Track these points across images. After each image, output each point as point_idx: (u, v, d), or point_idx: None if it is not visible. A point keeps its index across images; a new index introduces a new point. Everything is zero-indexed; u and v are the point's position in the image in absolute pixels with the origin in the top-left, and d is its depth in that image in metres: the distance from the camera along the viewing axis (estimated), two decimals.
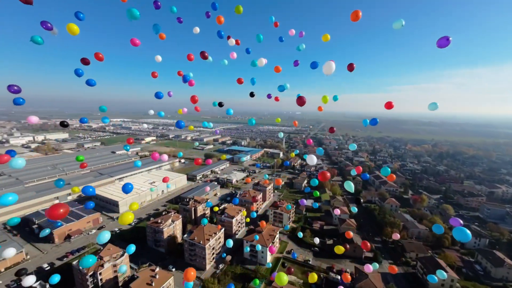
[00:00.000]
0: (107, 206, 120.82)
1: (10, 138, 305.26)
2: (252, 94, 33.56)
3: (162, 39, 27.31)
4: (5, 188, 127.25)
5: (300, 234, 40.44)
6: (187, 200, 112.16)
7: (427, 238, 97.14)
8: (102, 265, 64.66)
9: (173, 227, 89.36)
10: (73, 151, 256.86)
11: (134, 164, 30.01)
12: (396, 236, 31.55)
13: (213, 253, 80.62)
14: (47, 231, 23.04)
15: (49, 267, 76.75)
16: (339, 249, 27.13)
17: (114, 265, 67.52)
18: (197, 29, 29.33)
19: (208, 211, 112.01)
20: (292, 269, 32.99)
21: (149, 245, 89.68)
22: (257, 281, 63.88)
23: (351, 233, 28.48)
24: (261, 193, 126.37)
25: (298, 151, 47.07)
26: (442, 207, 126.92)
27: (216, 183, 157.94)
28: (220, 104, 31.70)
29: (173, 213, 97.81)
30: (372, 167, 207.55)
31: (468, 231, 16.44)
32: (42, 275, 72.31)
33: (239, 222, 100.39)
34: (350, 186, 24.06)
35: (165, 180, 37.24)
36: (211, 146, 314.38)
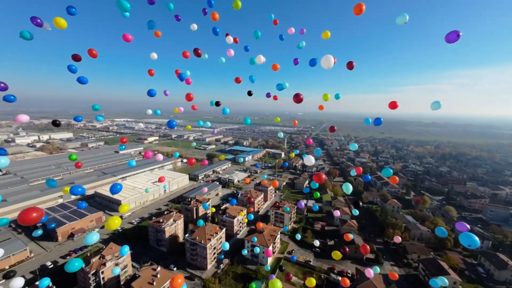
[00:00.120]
0: (110, 205, 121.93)
1: (16, 138, 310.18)
2: (250, 93, 32.76)
3: (158, 37, 27.18)
4: (10, 186, 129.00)
5: (298, 236, 40.35)
6: (189, 199, 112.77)
7: (429, 240, 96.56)
8: (104, 264, 65.25)
9: (174, 227, 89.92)
10: (77, 150, 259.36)
11: (128, 163, 29.04)
12: (398, 239, 30.98)
13: (214, 253, 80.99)
14: (40, 232, 23.30)
15: (52, 265, 77.71)
16: (336, 255, 26.45)
17: (116, 264, 68.11)
18: (194, 26, 29.00)
19: (209, 211, 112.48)
20: (291, 275, 32.29)
21: (151, 244, 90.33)
22: (254, 285, 64.21)
23: (350, 236, 27.99)
24: (262, 194, 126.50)
25: (298, 151, 47.10)
26: (444, 208, 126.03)
27: (217, 183, 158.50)
28: (217, 104, 31.29)
29: (175, 212, 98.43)
30: (374, 168, 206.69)
31: (476, 237, 15.66)
32: (45, 273, 73.36)
33: (240, 222, 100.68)
34: (348, 188, 23.86)
35: (160, 180, 36.58)
36: (213, 146, 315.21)
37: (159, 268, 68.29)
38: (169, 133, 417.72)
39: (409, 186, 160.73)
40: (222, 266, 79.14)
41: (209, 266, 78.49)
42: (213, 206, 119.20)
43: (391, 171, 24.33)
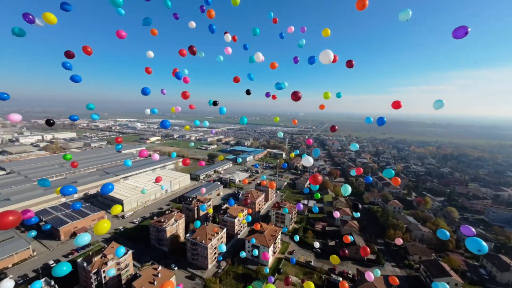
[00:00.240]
0: (112, 205, 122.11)
1: (20, 137, 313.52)
2: (248, 92, 32.14)
3: (154, 35, 27.00)
4: (14, 185, 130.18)
5: (297, 238, 40.12)
6: (190, 199, 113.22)
7: (431, 241, 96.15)
8: (105, 263, 65.76)
9: (176, 226, 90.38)
10: (80, 150, 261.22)
11: (124, 163, 28.14)
12: (399, 241, 30.29)
13: (215, 253, 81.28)
14: (33, 233, 23.51)
15: (55, 264, 78.41)
16: (335, 259, 25.80)
17: (118, 263, 68.64)
18: (192, 24, 28.72)
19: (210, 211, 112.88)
20: (290, 279, 31.98)
21: (152, 244, 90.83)
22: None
23: (350, 238, 27.59)
24: (263, 194, 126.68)
25: (298, 151, 47.09)
26: (446, 209, 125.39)
27: (219, 183, 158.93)
28: (215, 103, 31.08)
29: (176, 212, 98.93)
30: (375, 169, 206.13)
31: (484, 243, 14.41)
32: (48, 271, 74.02)
33: (241, 222, 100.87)
34: (346, 190, 23.35)
35: (157, 180, 35.51)
36: (215, 146, 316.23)
37: (160, 268, 68.65)
38: (171, 133, 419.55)
39: (410, 187, 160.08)
40: (223, 266, 79.42)
41: (210, 266, 78.81)
42: (214, 206, 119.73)
43: (393, 172, 23.61)
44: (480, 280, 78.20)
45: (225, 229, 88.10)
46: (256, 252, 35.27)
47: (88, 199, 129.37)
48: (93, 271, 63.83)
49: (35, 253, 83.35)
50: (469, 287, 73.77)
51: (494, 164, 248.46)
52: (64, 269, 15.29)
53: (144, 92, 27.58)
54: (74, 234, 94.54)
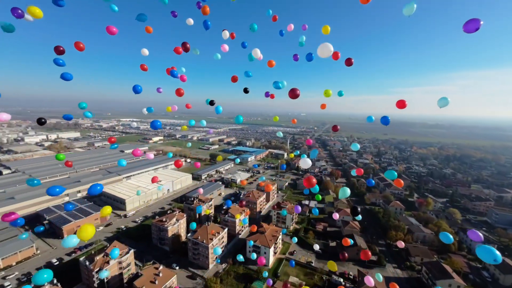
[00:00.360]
0: (115, 204, 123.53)
1: (25, 137, 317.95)
2: (246, 90, 31.72)
3: (149, 33, 26.63)
4: (18, 184, 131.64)
5: (295, 240, 39.91)
6: (192, 199, 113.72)
7: (433, 243, 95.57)
8: (107, 262, 66.32)
9: (177, 226, 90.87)
10: (83, 149, 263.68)
11: (118, 163, 27.16)
12: (401, 244, 29.80)
13: None
14: (25, 235, 23.55)
15: (58, 262, 79.31)
16: (332, 265, 25.43)
17: (120, 262, 69.21)
18: (190, 21, 28.68)
19: (212, 211, 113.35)
20: (289, 286, 31.74)
21: (154, 243, 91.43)
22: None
23: (349, 241, 27.23)
24: (265, 194, 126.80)
25: (298, 151, 46.93)
26: (448, 211, 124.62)
27: (220, 183, 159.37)
28: (212, 103, 30.90)
29: (177, 212, 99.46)
30: (376, 169, 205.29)
31: (498, 252, 13.17)
32: (51, 270, 74.82)
33: (239, 224, 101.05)
34: (344, 193, 22.73)
35: (153, 180, 34.60)
36: (217, 146, 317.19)
37: (161, 267, 69.09)
38: (174, 133, 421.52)
39: (412, 188, 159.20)
40: (223, 266, 79.73)
41: (211, 266, 79.14)
42: (215, 206, 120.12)
43: (396, 174, 22.88)
44: (482, 282, 77.59)
45: (226, 229, 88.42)
46: (254, 256, 34.87)
47: (91, 198, 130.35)
48: (95, 270, 64.42)
49: (38, 252, 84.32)
50: None
51: (497, 165, 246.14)
52: (45, 276, 14.56)
53: (136, 90, 26.62)
54: None
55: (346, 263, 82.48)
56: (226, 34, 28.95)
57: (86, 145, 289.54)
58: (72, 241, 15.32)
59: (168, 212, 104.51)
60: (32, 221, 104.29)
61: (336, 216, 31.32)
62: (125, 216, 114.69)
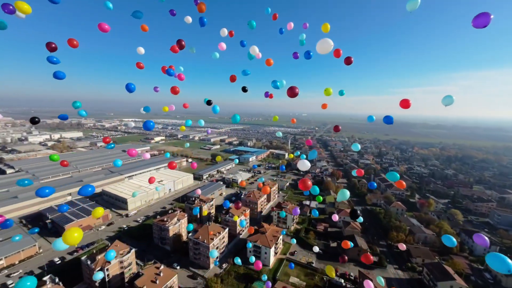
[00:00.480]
0: (116, 203, 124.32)
1: (29, 136, 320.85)
2: (244, 89, 31.33)
3: (145, 31, 26.27)
4: None
5: (293, 241, 39.98)
6: (193, 199, 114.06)
7: (434, 244, 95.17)
8: (109, 261, 66.78)
9: (178, 226, 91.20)
10: (86, 149, 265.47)
11: (113, 163, 26.40)
12: (403, 247, 29.38)
13: (217, 252, 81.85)
14: (18, 238, 23.46)
15: (60, 261, 79.92)
16: (330, 271, 25.15)
17: (121, 262, 69.62)
18: (189, 19, 28.52)
19: (213, 210, 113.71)
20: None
21: (155, 243, 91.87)
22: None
23: (349, 243, 26.95)
24: (265, 194, 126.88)
25: (299, 152, 46.74)
26: (450, 212, 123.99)
27: (221, 182, 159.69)
28: (209, 102, 30.69)
29: (179, 211, 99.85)
30: (378, 170, 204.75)
31: (509, 260, 12.54)
32: (53, 268, 75.50)
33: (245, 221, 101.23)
34: (344, 196, 22.10)
35: (150, 181, 33.74)
36: (218, 147, 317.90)
37: (162, 267, 69.37)
38: (175, 133, 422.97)
39: (413, 189, 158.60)
40: (224, 266, 79.95)
41: (211, 266, 79.31)
42: (216, 206, 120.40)
43: (398, 175, 22.24)
44: (485, 284, 77.13)
45: (227, 229, 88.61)
46: (253, 258, 34.50)
47: (93, 197, 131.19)
48: (97, 269, 64.86)
49: (41, 250, 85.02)
50: None
51: (499, 166, 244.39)
52: (28, 284, 14.13)
53: (129, 88, 25.76)
54: None
55: (347, 264, 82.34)
56: (224, 31, 28.88)
57: (89, 145, 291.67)
58: (61, 244, 14.65)
59: (170, 211, 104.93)
60: (35, 220, 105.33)
61: (335, 217, 31.07)
62: (126, 215, 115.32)
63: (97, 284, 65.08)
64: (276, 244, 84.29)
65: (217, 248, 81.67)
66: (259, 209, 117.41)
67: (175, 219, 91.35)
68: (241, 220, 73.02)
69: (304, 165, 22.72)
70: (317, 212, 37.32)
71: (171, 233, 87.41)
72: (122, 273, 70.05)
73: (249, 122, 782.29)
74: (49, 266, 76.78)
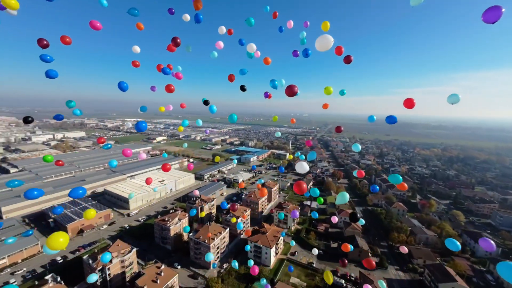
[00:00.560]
0: (118, 203, 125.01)
1: (32, 136, 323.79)
2: (243, 88, 30.90)
3: (140, 30, 26.15)
4: (26, 183, 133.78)
5: (292, 243, 39.80)
6: (194, 199, 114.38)
7: (436, 245, 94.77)
8: (110, 261, 67.17)
9: (179, 225, 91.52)
10: (89, 149, 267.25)
11: (109, 163, 25.93)
12: (404, 249, 29.15)
13: (217, 252, 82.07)
14: (11, 240, 23.16)
15: (62, 260, 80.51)
16: (328, 278, 24.96)
17: (122, 261, 70.02)
18: (187, 17, 28.00)
19: (214, 210, 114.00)
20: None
21: (156, 242, 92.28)
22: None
23: (349, 246, 26.81)
24: (266, 194, 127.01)
25: (299, 152, 46.66)
26: (451, 213, 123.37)
27: (222, 182, 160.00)
28: (206, 102, 30.60)
29: (180, 211, 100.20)
30: (379, 170, 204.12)
31: None
32: (55, 267, 76.10)
33: (244, 222, 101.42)
34: (343, 199, 20.83)
35: (147, 182, 32.86)
36: (219, 147, 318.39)
37: (163, 266, 69.67)
38: (177, 133, 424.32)
39: (415, 189, 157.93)
40: (225, 265, 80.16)
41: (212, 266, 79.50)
42: (217, 206, 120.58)
43: (400, 177, 21.84)
44: (486, 286, 76.72)
45: (228, 229, 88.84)
46: (251, 262, 34.05)
47: (96, 197, 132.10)
48: (98, 268, 65.29)
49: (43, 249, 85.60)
50: None
51: (502, 167, 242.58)
52: None
53: (121, 87, 25.03)
54: (81, 231, 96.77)
55: (348, 265, 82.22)
56: (223, 29, 28.69)
57: (91, 145, 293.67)
58: (49, 250, 13.81)
59: (171, 211, 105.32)
60: (38, 219, 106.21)
61: (335, 219, 30.88)
62: (128, 215, 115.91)
63: (98, 283, 65.50)
64: (277, 244, 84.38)
65: (218, 247, 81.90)
66: (260, 209, 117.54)
67: (176, 218, 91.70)
68: (239, 222, 71.01)
69: (302, 167, 22.22)
70: (317, 214, 37.17)
71: (172, 233, 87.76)
72: (123, 273, 70.46)
73: (250, 123, 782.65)
74: (51, 265, 77.39)
